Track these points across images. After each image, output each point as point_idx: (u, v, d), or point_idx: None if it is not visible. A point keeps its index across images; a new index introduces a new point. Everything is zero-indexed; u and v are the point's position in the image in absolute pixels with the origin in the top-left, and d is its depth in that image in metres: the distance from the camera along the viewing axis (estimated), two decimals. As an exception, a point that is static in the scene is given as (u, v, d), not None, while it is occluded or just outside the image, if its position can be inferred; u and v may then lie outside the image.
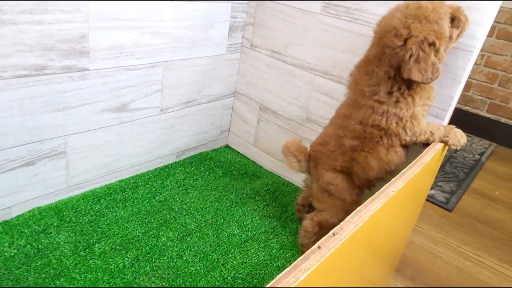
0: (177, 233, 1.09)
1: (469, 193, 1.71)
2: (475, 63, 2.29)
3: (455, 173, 1.84)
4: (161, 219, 1.14)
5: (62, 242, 0.99)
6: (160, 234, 1.08)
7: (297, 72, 1.30)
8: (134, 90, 1.16)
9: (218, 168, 1.46)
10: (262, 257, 1.05)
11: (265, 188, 1.36)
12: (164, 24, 1.14)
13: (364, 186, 1.00)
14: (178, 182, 1.33)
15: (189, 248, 1.04)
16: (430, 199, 1.60)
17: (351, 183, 0.99)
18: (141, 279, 0.93)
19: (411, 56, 0.78)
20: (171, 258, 1.00)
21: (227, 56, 1.42)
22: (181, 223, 1.13)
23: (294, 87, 1.33)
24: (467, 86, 2.36)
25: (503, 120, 2.28)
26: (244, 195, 1.30)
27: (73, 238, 1.01)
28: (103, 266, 0.94)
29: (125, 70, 1.10)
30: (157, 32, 1.14)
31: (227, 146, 1.65)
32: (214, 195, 1.29)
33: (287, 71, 1.33)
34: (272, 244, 1.10)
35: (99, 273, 0.92)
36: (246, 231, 1.13)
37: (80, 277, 0.90)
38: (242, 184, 1.38)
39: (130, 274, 0.93)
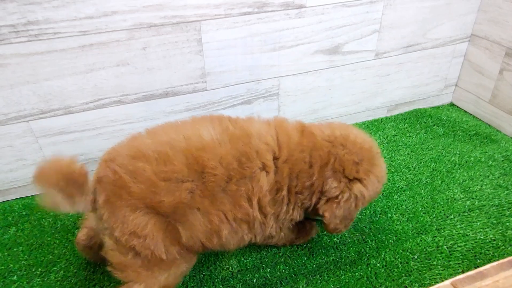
0: (384, 189, 0.97)
1: None
2: None
3: None
4: (366, 172, 1.04)
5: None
6: (364, 186, 0.98)
7: None
8: (349, 30, 1.07)
9: (438, 127, 1.23)
10: (491, 235, 0.81)
11: (504, 154, 1.05)
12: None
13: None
14: (388, 138, 1.18)
15: (395, 206, 0.91)
16: None
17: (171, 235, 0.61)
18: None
19: None
20: (374, 212, 0.90)
21: (465, -13, 1.14)
22: (388, 180, 1.00)
23: None
24: None
25: None
26: (472, 159, 1.05)
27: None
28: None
29: (342, 6, 1.02)
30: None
31: (452, 104, 1.38)
32: (431, 154, 1.09)
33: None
34: (507, 223, 0.84)
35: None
36: (473, 198, 0.90)
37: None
38: (470, 147, 1.11)
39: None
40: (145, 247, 0.58)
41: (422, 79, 1.27)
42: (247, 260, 0.79)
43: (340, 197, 0.64)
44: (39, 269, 0.78)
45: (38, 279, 0.76)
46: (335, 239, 0.84)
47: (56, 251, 0.82)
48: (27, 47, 0.80)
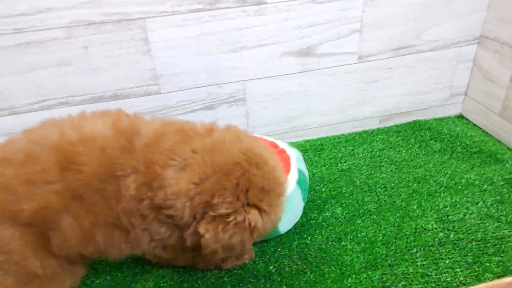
0: (347, 211, 0.84)
1: None
2: None
3: None
4: (334, 190, 0.91)
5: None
6: (326, 207, 0.86)
7: None
8: (323, 29, 0.95)
9: (435, 142, 1.06)
10: (461, 277, 0.66)
11: (506, 177, 0.87)
12: None
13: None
14: (373, 152, 1.04)
15: (354, 232, 0.78)
16: None
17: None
18: (282, 253, 0.75)
19: None
20: (326, 238, 0.77)
21: (466, -21, 0.98)
22: (357, 200, 0.87)
23: None
24: None
25: None
26: (464, 181, 0.88)
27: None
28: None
29: (310, 3, 0.91)
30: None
31: (460, 116, 1.20)
32: (417, 173, 0.93)
33: None
34: (488, 263, 0.68)
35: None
36: (449, 229, 0.75)
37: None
38: (467, 166, 0.94)
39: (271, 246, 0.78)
40: (13, 264, 0.52)
41: (419, 86, 1.12)
42: (165, 284, 0.70)
43: (232, 217, 0.52)
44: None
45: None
46: (271, 267, 0.72)
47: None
48: (-38, 45, 0.78)
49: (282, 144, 0.87)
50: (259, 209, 0.53)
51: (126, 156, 0.53)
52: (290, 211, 0.74)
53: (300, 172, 0.79)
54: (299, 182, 0.78)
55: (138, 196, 0.52)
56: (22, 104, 0.88)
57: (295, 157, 0.83)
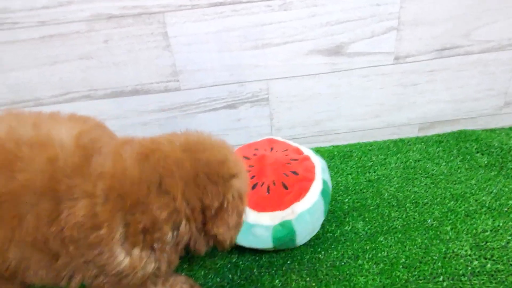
0: (369, 226, 0.76)
1: None
2: None
3: None
4: (358, 202, 0.83)
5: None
6: (346, 220, 0.78)
7: None
8: (355, 26, 0.88)
9: (482, 155, 0.94)
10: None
11: None
12: None
13: None
14: (407, 163, 0.94)
15: (374, 251, 0.70)
16: None
17: None
18: (290, 266, 0.69)
19: None
20: (342, 255, 0.70)
21: (527, -30, 0.85)
22: (382, 215, 0.78)
23: None
24: None
25: None
26: (511, 203, 0.76)
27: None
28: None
29: (341, -3, 0.84)
30: None
31: (515, 128, 1.05)
32: (456, 190, 0.83)
33: None
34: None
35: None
36: (486, 258, 0.64)
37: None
38: (517, 186, 0.82)
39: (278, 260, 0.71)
40: None
41: (468, 92, 1.00)
42: (163, 288, 0.66)
43: (225, 203, 0.50)
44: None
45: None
46: (277, 281, 0.66)
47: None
48: (-9, 37, 0.81)
49: (307, 151, 0.79)
50: (235, 176, 0.52)
51: (79, 177, 0.46)
52: (311, 223, 0.68)
53: (324, 183, 0.72)
54: (323, 193, 0.71)
55: (86, 225, 0.45)
56: (47, 96, 0.90)
57: (320, 166, 0.75)
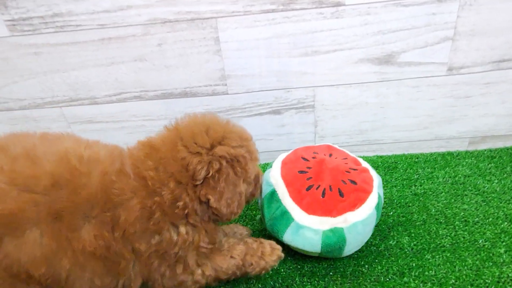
0: (415, 242, 0.74)
1: None
2: None
3: None
4: (403, 216, 0.81)
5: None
6: (391, 234, 0.77)
7: None
8: (408, 35, 0.86)
9: (539, 174, 0.89)
10: None
11: None
12: None
13: None
14: (456, 178, 0.91)
15: (421, 268, 0.68)
16: None
17: None
18: (333, 278, 0.68)
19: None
20: (386, 270, 0.68)
21: None
22: (429, 232, 0.76)
23: None
24: None
25: None
26: None
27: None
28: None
29: (395, 5, 0.82)
30: None
31: None
32: (509, 209, 0.79)
33: None
34: None
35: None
36: (542, 288, 0.61)
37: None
38: None
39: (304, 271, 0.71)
40: None
41: (525, 107, 0.95)
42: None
43: (211, 170, 0.53)
44: None
45: None
46: (318, 292, 0.66)
47: None
48: (55, 38, 0.86)
49: (365, 163, 0.78)
50: (219, 143, 0.55)
51: (123, 180, 0.51)
52: (362, 234, 0.67)
53: (379, 197, 0.71)
54: (377, 207, 0.69)
55: (144, 216, 0.51)
56: (102, 95, 0.94)
57: (377, 180, 0.74)
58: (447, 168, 0.94)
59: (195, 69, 0.90)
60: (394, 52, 0.87)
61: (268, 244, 0.65)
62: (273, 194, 0.70)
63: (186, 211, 0.53)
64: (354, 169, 0.72)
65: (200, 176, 0.53)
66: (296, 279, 0.69)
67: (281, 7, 0.82)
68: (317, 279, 0.69)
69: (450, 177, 0.91)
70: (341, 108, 0.96)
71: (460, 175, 0.92)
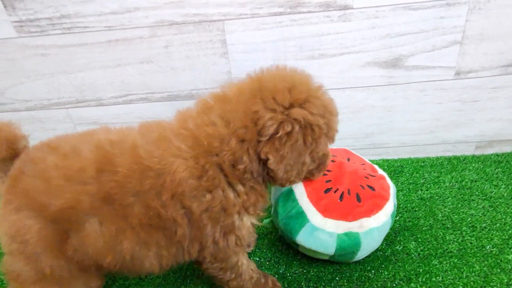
0: (422, 248, 0.73)
1: None
2: None
3: None
4: (409, 221, 0.80)
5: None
6: (397, 239, 0.76)
7: None
8: (415, 39, 0.85)
9: (547, 180, 0.88)
10: None
11: None
12: None
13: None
14: (463, 182, 0.90)
15: (428, 274, 0.67)
16: None
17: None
18: (339, 283, 0.68)
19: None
20: (393, 276, 0.68)
21: None
22: (436, 237, 0.76)
23: None
24: None
25: None
26: None
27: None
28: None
29: (404, 9, 0.82)
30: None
31: None
32: (516, 216, 0.78)
33: None
34: None
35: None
36: (551, 295, 0.60)
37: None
38: None
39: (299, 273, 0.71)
40: (25, 256, 0.51)
41: (533, 111, 0.94)
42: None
43: (280, 131, 0.49)
44: None
45: None
46: (325, 297, 0.66)
47: None
48: (63, 39, 0.86)
49: (381, 171, 0.77)
50: (299, 105, 0.51)
51: (161, 146, 0.52)
52: (377, 241, 0.67)
53: (394, 206, 0.71)
54: (392, 216, 0.69)
55: (193, 176, 0.50)
56: (108, 97, 0.94)
57: (393, 189, 0.74)
58: (453, 173, 0.94)
59: (201, 72, 0.90)
60: (401, 55, 0.87)
61: (271, 281, 0.67)
62: (290, 193, 0.69)
63: (244, 171, 0.51)
64: (372, 176, 0.72)
65: (267, 132, 0.49)
66: (302, 284, 0.69)
67: (288, 10, 0.82)
68: (323, 284, 0.69)
69: (457, 181, 0.91)
70: (347, 111, 0.95)
71: (466, 180, 0.91)
